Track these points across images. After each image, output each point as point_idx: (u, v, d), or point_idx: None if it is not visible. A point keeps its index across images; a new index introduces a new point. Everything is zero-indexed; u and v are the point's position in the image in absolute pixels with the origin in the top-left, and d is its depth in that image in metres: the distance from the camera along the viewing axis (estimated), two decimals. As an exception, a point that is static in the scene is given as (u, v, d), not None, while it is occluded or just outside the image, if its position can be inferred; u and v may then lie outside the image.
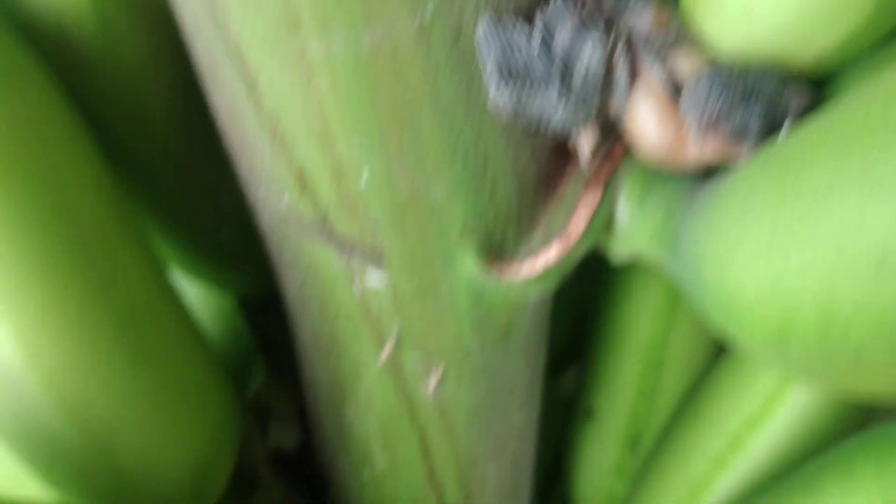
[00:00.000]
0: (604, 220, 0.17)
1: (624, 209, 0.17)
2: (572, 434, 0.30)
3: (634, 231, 0.17)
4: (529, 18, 0.16)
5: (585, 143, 0.17)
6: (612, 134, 0.17)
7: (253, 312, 0.25)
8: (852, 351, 0.12)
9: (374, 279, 0.18)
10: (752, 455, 0.24)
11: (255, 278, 0.25)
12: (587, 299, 0.32)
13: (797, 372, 0.13)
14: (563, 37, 0.15)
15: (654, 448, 0.27)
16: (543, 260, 0.17)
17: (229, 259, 0.24)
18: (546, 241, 0.18)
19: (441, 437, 0.21)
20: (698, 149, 0.15)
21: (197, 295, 0.25)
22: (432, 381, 0.19)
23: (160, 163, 0.22)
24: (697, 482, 0.25)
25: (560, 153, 0.18)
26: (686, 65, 0.15)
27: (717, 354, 0.28)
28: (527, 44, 0.15)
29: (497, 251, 0.18)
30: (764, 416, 0.24)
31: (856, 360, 0.12)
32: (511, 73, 0.15)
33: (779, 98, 0.15)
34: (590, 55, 0.15)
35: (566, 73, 0.15)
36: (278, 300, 0.26)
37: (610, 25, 0.16)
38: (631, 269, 0.29)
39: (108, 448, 0.17)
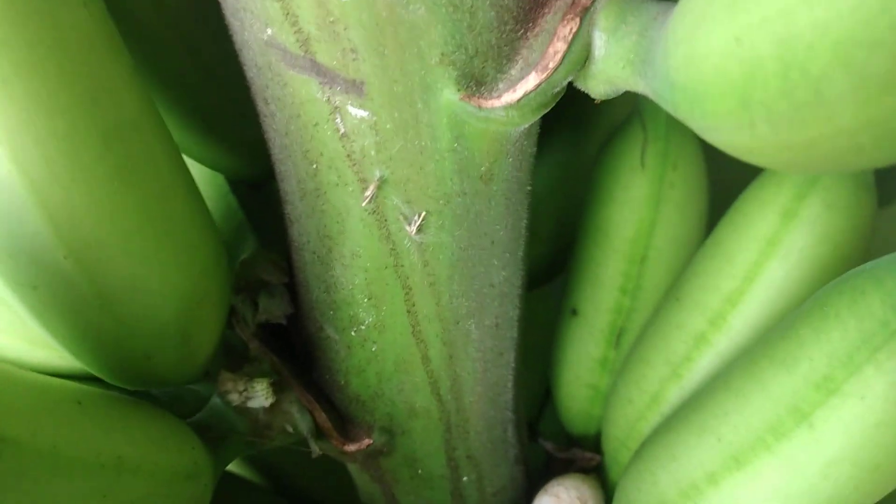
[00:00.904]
0: (580, 52, 0.18)
1: (600, 39, 0.18)
2: (558, 333, 0.30)
3: (609, 59, 0.18)
4: None
5: (561, -35, 0.17)
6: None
7: (243, 193, 0.26)
8: (812, 89, 0.12)
9: (356, 112, 0.18)
10: (732, 331, 0.24)
11: (246, 158, 0.25)
12: (571, 209, 0.32)
13: (762, 143, 0.14)
14: None
15: (637, 337, 0.28)
16: (522, 89, 0.18)
17: (223, 138, 0.25)
18: (524, 74, 0.18)
19: (425, 289, 0.21)
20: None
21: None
22: (415, 226, 0.20)
23: (166, 38, 0.22)
24: (679, 362, 0.25)
25: (538, -13, 0.18)
26: None
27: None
28: None
29: (477, 83, 0.18)
30: (743, 293, 0.24)
31: (817, 100, 0.12)
32: None
33: None
34: None
35: None
36: (267, 181, 0.27)
37: None
38: (615, 169, 0.29)
39: (94, 270, 0.17)
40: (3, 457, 0.15)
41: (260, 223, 0.26)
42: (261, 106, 0.20)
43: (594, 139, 0.32)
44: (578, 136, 0.32)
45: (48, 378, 0.18)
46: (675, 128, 0.29)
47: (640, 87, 0.17)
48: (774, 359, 0.20)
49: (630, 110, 0.31)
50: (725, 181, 0.31)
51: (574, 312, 0.29)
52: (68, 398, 0.17)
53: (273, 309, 0.24)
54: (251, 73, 0.19)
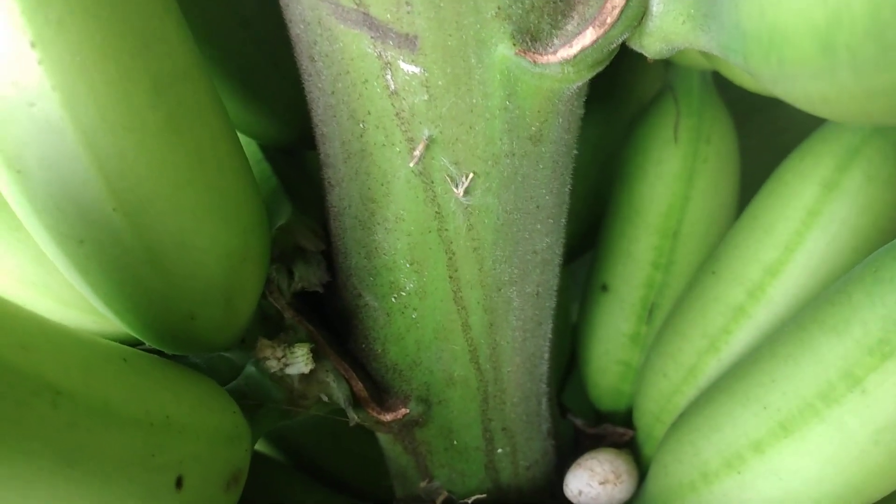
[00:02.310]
0: (638, 7, 0.17)
1: (658, -4, 0.18)
2: (588, 308, 0.30)
3: (668, 15, 0.17)
4: None
5: (623, -83, 0.17)
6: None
7: (276, 161, 0.25)
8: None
9: (407, 68, 0.18)
10: (772, 302, 0.24)
11: (281, 123, 0.25)
12: (600, 186, 0.32)
13: (841, 90, 0.13)
14: None
15: (671, 312, 0.27)
16: (579, 44, 0.17)
17: (259, 101, 0.24)
18: (581, 29, 0.18)
19: (468, 254, 0.21)
20: None
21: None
22: (462, 187, 0.20)
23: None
24: (717, 334, 0.25)
25: (595, -58, 0.18)
26: None
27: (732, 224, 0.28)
28: None
29: (532, 38, 0.18)
30: (784, 263, 0.24)
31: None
32: None
33: None
34: None
35: None
36: (300, 148, 0.26)
37: None
38: (648, 144, 0.29)
39: (143, 223, 0.17)
40: (58, 408, 0.15)
41: (292, 191, 0.25)
42: (306, 64, 0.20)
43: (623, 116, 0.32)
44: (607, 113, 0.32)
45: (93, 336, 0.18)
46: (708, 103, 0.29)
47: (700, 42, 0.17)
48: (825, 324, 0.20)
49: (660, 86, 0.31)
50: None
51: (604, 289, 0.29)
52: (115, 355, 0.17)
53: (310, 277, 0.23)
54: (297, 29, 0.19)
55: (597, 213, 0.31)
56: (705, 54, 0.25)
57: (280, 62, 0.23)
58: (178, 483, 0.17)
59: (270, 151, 0.26)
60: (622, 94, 0.32)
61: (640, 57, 0.20)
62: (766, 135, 0.32)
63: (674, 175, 0.28)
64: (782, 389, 0.20)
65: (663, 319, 0.28)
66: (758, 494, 0.21)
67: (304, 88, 0.21)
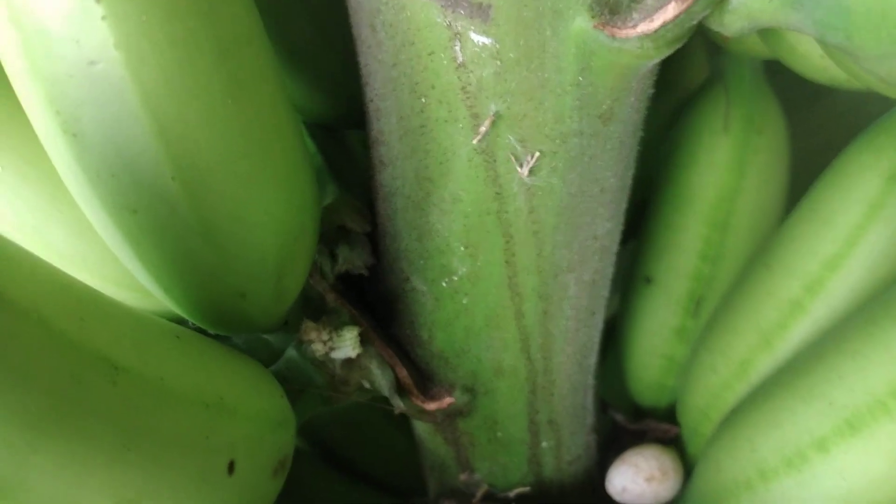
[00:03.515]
0: (722, -18, 0.17)
1: (744, -31, 0.17)
2: (631, 300, 0.29)
3: (755, -10, 0.16)
4: None
5: None
6: None
7: (320, 137, 0.25)
8: None
9: (478, 39, 0.17)
10: (830, 297, 0.23)
11: (328, 98, 0.24)
12: (643, 176, 0.31)
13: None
14: None
15: (720, 305, 0.27)
16: (660, 18, 0.17)
17: (307, 73, 0.23)
18: (662, 3, 0.17)
19: (527, 238, 0.20)
20: None
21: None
22: (527, 167, 0.19)
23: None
24: (771, 329, 0.24)
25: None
26: None
27: (784, 216, 0.27)
28: None
29: (611, 11, 0.17)
30: (844, 257, 0.23)
31: None
32: None
33: None
34: None
35: None
36: (345, 125, 0.26)
37: None
38: (697, 132, 0.28)
39: (200, 194, 0.16)
40: (116, 385, 0.14)
41: (334, 171, 0.25)
42: (365, 35, 0.19)
43: (668, 103, 0.31)
44: (652, 99, 0.31)
45: (143, 312, 0.17)
46: (760, 92, 0.28)
47: (789, 20, 0.16)
48: (899, 319, 0.19)
49: (708, 74, 0.30)
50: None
51: (648, 280, 0.28)
52: (168, 332, 0.16)
53: (354, 259, 0.23)
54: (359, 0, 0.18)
55: (639, 203, 0.30)
56: (767, 40, 0.24)
57: (331, 35, 0.22)
58: (230, 468, 0.16)
59: (313, 129, 0.25)
60: (668, 81, 0.31)
61: (688, 42, 0.19)
62: (817, 127, 0.31)
63: (724, 165, 0.27)
64: (850, 386, 0.20)
65: (710, 313, 0.27)
66: (819, 494, 0.20)
67: (355, 62, 0.20)
